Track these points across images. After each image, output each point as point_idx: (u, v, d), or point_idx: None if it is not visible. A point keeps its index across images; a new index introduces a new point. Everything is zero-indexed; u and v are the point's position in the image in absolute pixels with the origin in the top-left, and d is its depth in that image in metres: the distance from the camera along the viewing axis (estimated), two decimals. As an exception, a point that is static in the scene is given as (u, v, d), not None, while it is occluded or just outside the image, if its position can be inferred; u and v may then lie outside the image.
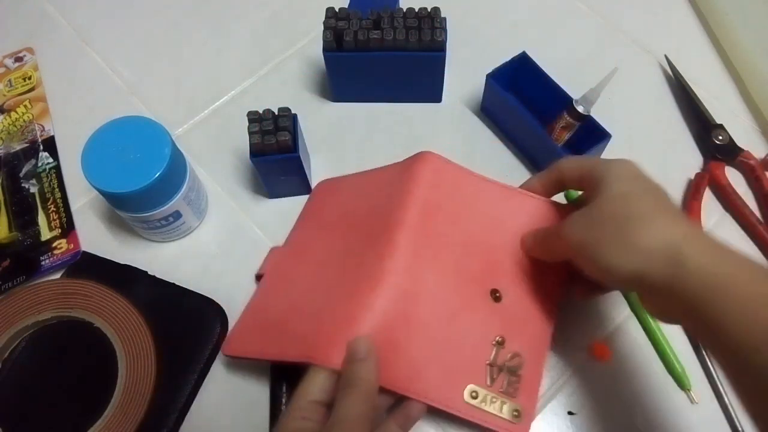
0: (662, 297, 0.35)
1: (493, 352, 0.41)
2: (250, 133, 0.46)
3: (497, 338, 0.42)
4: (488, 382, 0.41)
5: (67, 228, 0.52)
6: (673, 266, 0.33)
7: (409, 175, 0.45)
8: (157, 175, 0.43)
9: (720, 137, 0.53)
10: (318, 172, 0.54)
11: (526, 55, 0.52)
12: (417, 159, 0.46)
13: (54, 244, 0.51)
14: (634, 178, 0.38)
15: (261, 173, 0.50)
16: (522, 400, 0.41)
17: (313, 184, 0.54)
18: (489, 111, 0.56)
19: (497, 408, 0.40)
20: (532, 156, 0.54)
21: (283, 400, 0.43)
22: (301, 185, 0.52)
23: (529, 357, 0.42)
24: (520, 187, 0.46)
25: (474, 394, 0.40)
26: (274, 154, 0.47)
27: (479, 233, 0.45)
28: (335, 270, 0.43)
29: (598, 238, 0.37)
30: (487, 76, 0.53)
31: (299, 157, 0.47)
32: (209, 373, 0.46)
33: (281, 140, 0.46)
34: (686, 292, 0.33)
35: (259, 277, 0.49)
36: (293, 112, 0.48)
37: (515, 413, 0.40)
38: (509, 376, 0.41)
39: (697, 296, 0.32)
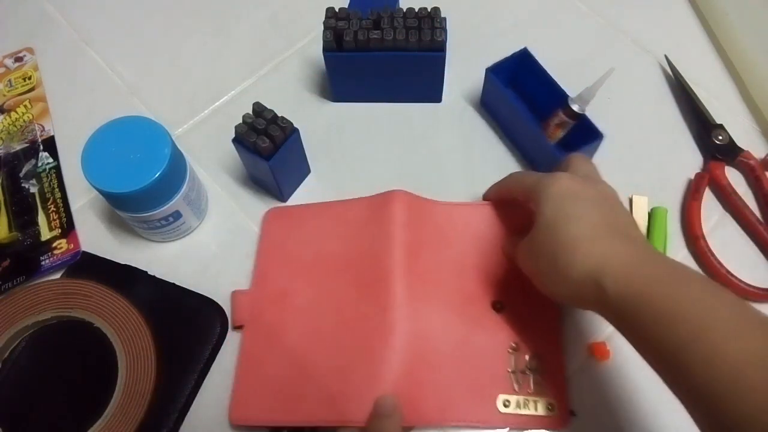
0: (600, 313, 0.37)
1: (512, 359, 0.44)
2: (243, 121, 0.46)
3: (512, 345, 0.45)
4: (516, 388, 0.43)
5: (67, 228, 0.52)
6: (597, 292, 0.35)
7: (383, 217, 0.47)
8: (157, 175, 0.43)
9: (720, 137, 0.53)
10: (318, 172, 0.54)
11: (527, 51, 0.53)
12: (387, 200, 0.48)
13: (54, 244, 0.51)
14: (566, 198, 0.39)
15: (240, 157, 0.50)
16: (551, 394, 0.43)
17: (303, 192, 0.53)
18: (488, 106, 0.56)
19: (532, 408, 0.43)
20: (527, 153, 0.54)
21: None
22: (275, 191, 0.52)
23: (546, 352, 0.45)
24: (483, 198, 0.50)
25: (506, 402, 0.43)
26: (252, 150, 0.47)
27: (463, 255, 0.47)
28: (335, 324, 0.45)
29: (538, 267, 0.40)
30: (487, 69, 0.53)
31: (269, 166, 0.46)
32: (209, 372, 0.46)
33: (261, 145, 0.45)
34: (612, 313, 0.35)
35: (237, 327, 0.47)
36: (296, 117, 0.48)
37: (549, 407, 0.43)
38: (533, 375, 0.43)
39: (619, 317, 0.35)
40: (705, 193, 0.51)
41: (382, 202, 0.48)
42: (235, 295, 0.48)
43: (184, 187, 0.47)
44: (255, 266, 0.49)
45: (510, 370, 0.44)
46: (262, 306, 0.47)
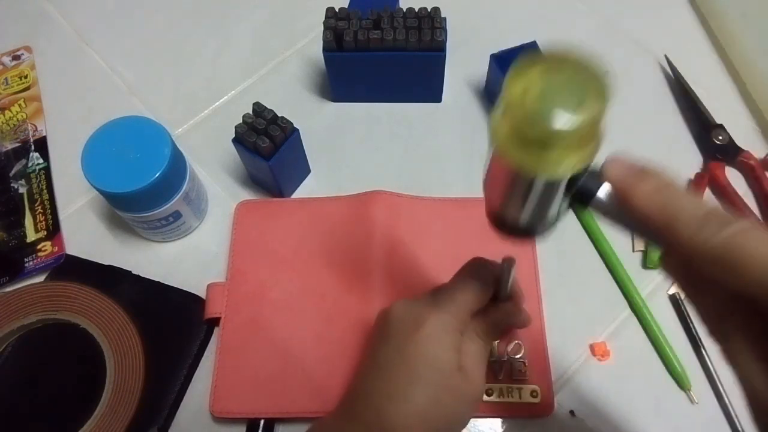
0: None
1: (494, 348, 0.45)
2: (243, 121, 0.46)
3: None
4: (499, 377, 0.44)
5: (53, 230, 0.51)
6: None
7: (364, 218, 0.48)
8: (157, 175, 0.43)
9: (720, 137, 0.53)
10: (318, 172, 0.54)
11: (536, 44, 0.53)
12: (368, 201, 0.49)
13: (38, 246, 0.51)
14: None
15: (240, 157, 0.50)
16: (535, 380, 0.44)
17: (303, 192, 0.53)
18: (491, 95, 0.56)
19: (516, 396, 0.43)
20: None
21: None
22: (275, 191, 0.52)
23: (529, 339, 0.45)
24: None
25: (489, 391, 0.43)
26: (252, 150, 0.47)
27: (444, 247, 0.48)
28: (316, 318, 0.46)
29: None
30: (491, 56, 0.53)
31: (269, 166, 0.47)
32: (199, 367, 0.46)
33: (261, 145, 0.45)
34: None
35: (211, 321, 0.47)
36: (296, 117, 0.48)
37: (534, 394, 0.43)
38: (515, 363, 0.44)
39: None
40: (705, 193, 0.51)
41: (362, 202, 0.49)
42: (210, 287, 0.48)
43: (184, 187, 0.47)
44: (230, 259, 0.49)
45: (491, 360, 0.44)
46: (239, 298, 0.47)
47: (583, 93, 0.23)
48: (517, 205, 0.28)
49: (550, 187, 0.26)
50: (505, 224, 0.31)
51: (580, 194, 0.27)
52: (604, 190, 0.27)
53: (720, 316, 0.25)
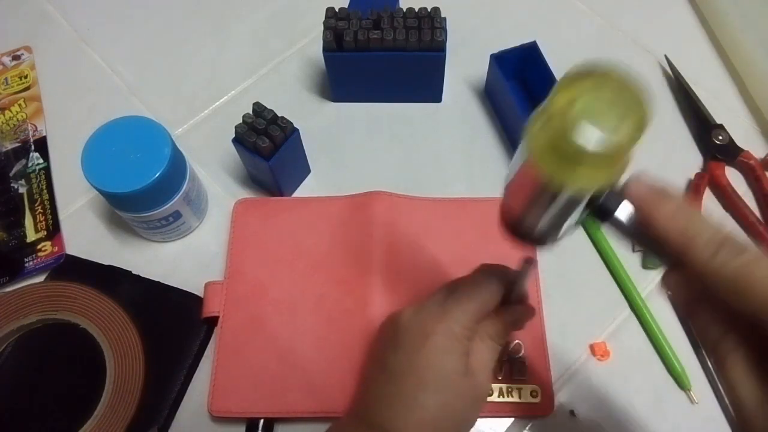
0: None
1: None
2: (243, 121, 0.46)
3: None
4: (498, 377, 0.44)
5: (53, 230, 0.51)
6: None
7: (364, 218, 0.48)
8: (157, 175, 0.43)
9: (720, 137, 0.53)
10: (318, 172, 0.54)
11: (536, 44, 0.53)
12: (368, 201, 0.49)
13: (39, 246, 0.51)
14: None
15: (240, 157, 0.50)
16: (535, 379, 0.44)
17: (303, 192, 0.53)
18: (491, 95, 0.57)
19: (516, 396, 0.43)
20: (516, 145, 0.54)
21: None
22: (275, 191, 0.52)
23: (528, 338, 0.45)
24: None
25: (489, 391, 0.43)
26: (252, 150, 0.47)
27: (443, 247, 0.48)
28: (316, 318, 0.46)
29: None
30: (491, 56, 0.53)
31: (269, 166, 0.47)
32: (199, 366, 0.46)
33: (261, 145, 0.45)
34: None
35: (209, 320, 0.47)
36: (296, 117, 0.48)
37: (533, 394, 0.43)
38: (514, 362, 0.44)
39: None
40: (705, 193, 0.51)
41: (362, 202, 0.49)
42: (207, 285, 0.48)
43: (184, 187, 0.47)
44: (228, 257, 0.49)
45: None
46: (238, 297, 0.47)
47: (624, 117, 0.23)
48: (537, 213, 0.29)
49: (573, 201, 0.27)
50: (518, 230, 0.31)
51: (599, 210, 0.28)
52: (622, 209, 0.28)
53: (717, 334, 0.27)
